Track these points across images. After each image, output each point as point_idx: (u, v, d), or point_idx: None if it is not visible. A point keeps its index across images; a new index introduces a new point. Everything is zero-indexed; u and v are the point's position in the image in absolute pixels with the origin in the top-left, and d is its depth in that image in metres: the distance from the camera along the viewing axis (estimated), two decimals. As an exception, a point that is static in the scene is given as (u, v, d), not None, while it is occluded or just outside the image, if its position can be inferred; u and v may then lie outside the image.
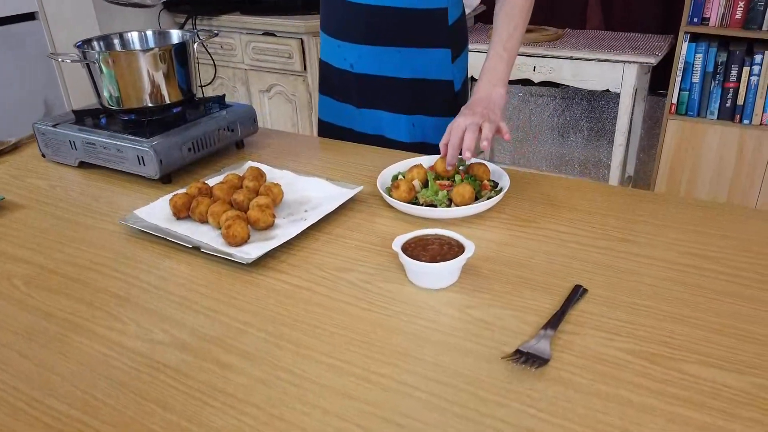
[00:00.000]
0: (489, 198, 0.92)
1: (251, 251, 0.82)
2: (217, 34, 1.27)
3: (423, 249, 0.77)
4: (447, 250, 0.76)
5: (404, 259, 0.75)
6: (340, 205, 0.94)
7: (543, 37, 2.17)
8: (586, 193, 0.99)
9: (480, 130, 0.96)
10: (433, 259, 0.75)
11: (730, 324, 0.67)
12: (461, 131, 0.95)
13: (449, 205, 0.92)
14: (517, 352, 0.63)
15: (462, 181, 0.96)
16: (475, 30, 2.43)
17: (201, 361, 0.64)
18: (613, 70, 1.99)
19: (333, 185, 1.00)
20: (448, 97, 1.17)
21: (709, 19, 1.89)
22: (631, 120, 2.06)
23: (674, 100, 2.01)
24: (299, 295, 0.75)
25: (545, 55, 2.09)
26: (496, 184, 0.98)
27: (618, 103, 2.36)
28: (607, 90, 2.03)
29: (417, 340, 0.66)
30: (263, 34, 2.52)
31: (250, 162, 1.11)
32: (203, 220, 0.91)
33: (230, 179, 1.00)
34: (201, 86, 2.56)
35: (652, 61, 1.89)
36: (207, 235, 0.88)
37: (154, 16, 2.60)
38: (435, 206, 0.92)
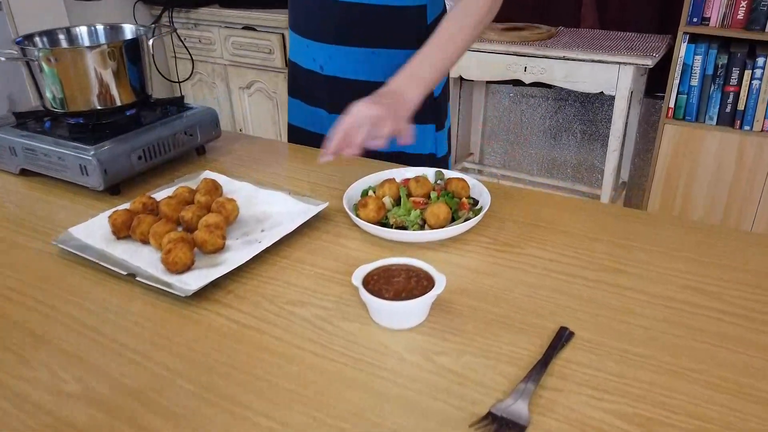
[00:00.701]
0: (467, 219, 0.82)
1: (192, 281, 0.72)
2: (175, 30, 1.16)
3: (387, 282, 0.67)
4: (415, 284, 0.67)
5: (365, 295, 0.65)
6: (302, 224, 0.84)
7: (535, 36, 2.07)
8: (575, 212, 0.89)
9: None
10: (398, 295, 0.65)
11: (735, 379, 0.58)
12: (355, 120, 0.83)
13: (423, 227, 0.82)
14: (489, 415, 0.53)
15: (438, 198, 0.86)
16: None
17: (115, 421, 0.54)
18: (607, 72, 1.89)
19: (296, 200, 0.90)
20: (428, 103, 1.07)
21: (709, 19, 1.79)
22: (626, 123, 1.97)
23: (671, 104, 1.92)
24: (243, 335, 0.65)
25: (537, 55, 1.99)
26: (475, 202, 0.89)
27: (612, 106, 2.27)
28: (601, 92, 1.94)
29: (374, 396, 0.56)
30: (243, 28, 2.40)
31: (207, 172, 1.01)
32: (145, 241, 0.81)
33: (180, 193, 0.90)
34: (179, 82, 2.44)
35: (649, 62, 1.80)
36: (147, 259, 0.78)
37: (129, 7, 2.48)
38: (406, 228, 0.82)
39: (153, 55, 1.06)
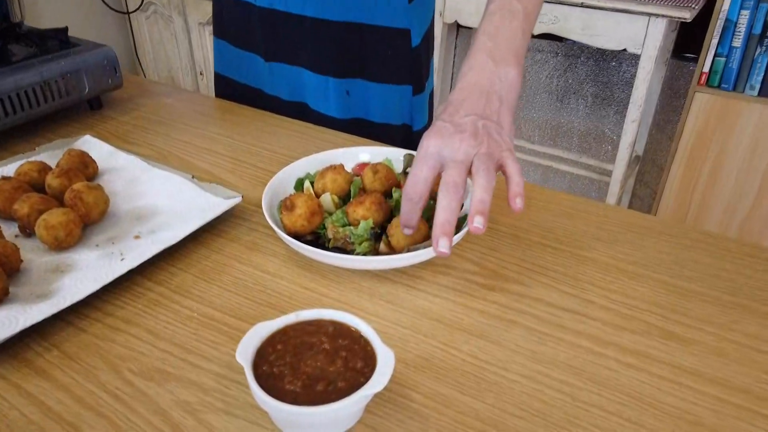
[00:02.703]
0: (442, 238, 0.54)
1: (-16, 333, 0.44)
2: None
3: (296, 357, 0.40)
4: (342, 364, 0.39)
5: (256, 392, 0.37)
6: (199, 227, 0.56)
7: (549, -22, 1.74)
8: (600, 224, 0.61)
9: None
10: (311, 387, 0.38)
11: None
12: (433, 169, 0.50)
13: (377, 240, 0.54)
14: None
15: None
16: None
17: None
18: (634, 25, 1.58)
19: (198, 189, 0.62)
20: (401, 54, 0.77)
21: (763, -35, 1.47)
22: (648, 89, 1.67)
23: (706, 69, 1.61)
24: (40, 446, 0.38)
25: (549, 0, 1.66)
26: (459, 205, 0.60)
27: (631, 65, 1.96)
28: (624, 50, 1.63)
29: None
30: (204, -50, 2.04)
31: (86, 137, 0.72)
32: (-49, 249, 0.53)
33: (26, 171, 0.61)
34: (128, 12, 2.09)
35: (687, 15, 1.48)
36: (-56, 280, 0.50)
37: None
38: (351, 250, 0.54)
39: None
